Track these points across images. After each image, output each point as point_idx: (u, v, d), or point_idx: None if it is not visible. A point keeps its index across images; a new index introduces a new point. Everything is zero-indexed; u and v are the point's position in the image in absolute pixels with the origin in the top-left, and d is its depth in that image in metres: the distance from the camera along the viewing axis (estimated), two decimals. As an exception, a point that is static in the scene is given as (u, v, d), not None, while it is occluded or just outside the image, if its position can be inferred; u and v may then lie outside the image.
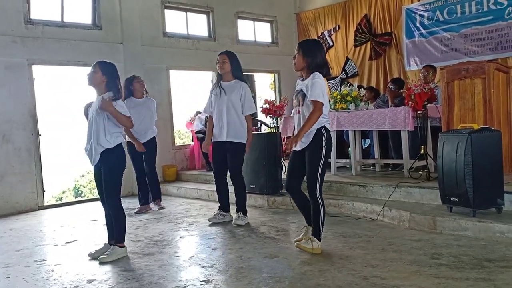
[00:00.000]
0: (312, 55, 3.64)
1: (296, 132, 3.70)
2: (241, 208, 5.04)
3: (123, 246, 4.02)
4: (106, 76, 3.93)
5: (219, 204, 5.21)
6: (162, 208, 6.13)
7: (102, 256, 3.92)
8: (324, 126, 3.64)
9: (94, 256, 4.09)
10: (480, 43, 7.63)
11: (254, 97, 10.08)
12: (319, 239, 3.69)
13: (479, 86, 4.78)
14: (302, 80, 3.76)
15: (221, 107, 4.92)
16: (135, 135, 5.79)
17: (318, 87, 3.54)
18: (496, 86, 4.80)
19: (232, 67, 4.91)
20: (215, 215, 5.18)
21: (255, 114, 9.64)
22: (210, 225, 5.07)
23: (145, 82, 8.16)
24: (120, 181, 4.00)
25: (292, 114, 7.63)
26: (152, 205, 6.20)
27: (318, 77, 3.60)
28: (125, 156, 4.04)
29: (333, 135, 6.20)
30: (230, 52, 5.03)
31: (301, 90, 3.70)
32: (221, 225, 5.00)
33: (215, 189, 5.31)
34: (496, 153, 4.04)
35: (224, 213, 5.14)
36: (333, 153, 6.30)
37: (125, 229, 4.07)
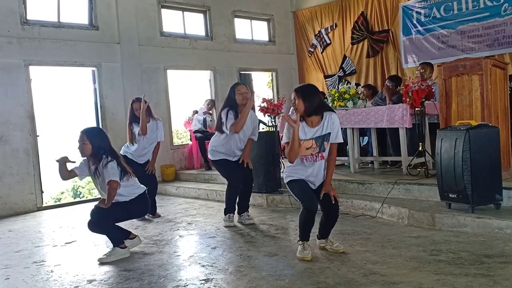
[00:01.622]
0: (310, 99, 3.55)
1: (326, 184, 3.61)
2: (248, 207, 5.12)
3: (125, 247, 4.00)
4: (92, 145, 3.91)
5: (230, 208, 5.03)
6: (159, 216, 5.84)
7: (101, 257, 3.91)
8: None
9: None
10: (477, 39, 7.65)
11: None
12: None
13: (477, 83, 4.78)
14: (302, 121, 3.57)
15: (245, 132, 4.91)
16: (136, 157, 5.62)
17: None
18: (493, 83, 4.80)
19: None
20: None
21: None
22: (209, 224, 5.07)
23: (142, 82, 8.21)
24: (120, 220, 4.08)
25: (289, 113, 7.59)
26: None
27: (336, 118, 3.66)
28: (139, 207, 4.12)
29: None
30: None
31: (322, 135, 3.57)
32: (220, 224, 5.00)
33: (214, 189, 5.30)
34: (494, 149, 4.05)
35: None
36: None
37: (118, 234, 4.04)
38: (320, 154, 3.59)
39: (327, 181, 3.61)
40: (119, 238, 4.03)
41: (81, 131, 3.92)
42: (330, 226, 3.70)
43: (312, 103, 3.55)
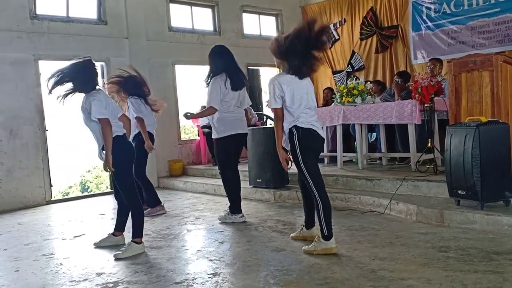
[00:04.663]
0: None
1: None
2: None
3: (140, 242, 3.95)
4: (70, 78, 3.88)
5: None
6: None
7: (117, 252, 3.87)
8: (295, 126, 3.55)
9: (98, 245, 4.22)
10: (487, 35, 7.58)
11: (259, 92, 10.07)
12: (326, 238, 3.50)
13: (487, 79, 4.74)
14: None
15: None
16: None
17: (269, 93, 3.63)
18: (504, 79, 4.75)
19: (210, 67, 4.84)
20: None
21: (260, 108, 9.66)
22: (217, 219, 5.07)
23: (150, 77, 8.21)
24: (130, 174, 3.94)
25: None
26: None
27: (270, 81, 3.64)
28: (128, 147, 3.92)
29: (339, 129, 6.22)
30: (210, 50, 4.88)
31: None
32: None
33: (221, 184, 5.29)
34: (504, 146, 4.01)
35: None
36: (339, 147, 6.29)
37: (143, 225, 3.99)
38: None
39: None
40: (139, 230, 3.94)
41: None
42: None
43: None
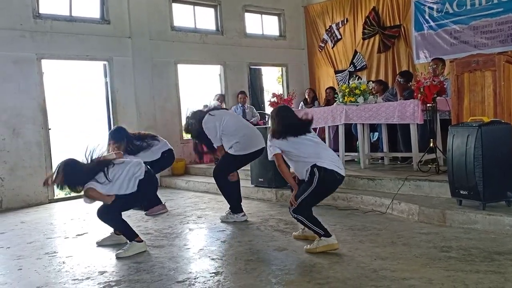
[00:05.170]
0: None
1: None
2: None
3: (141, 241, 3.96)
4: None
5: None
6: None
7: (119, 251, 3.88)
8: (317, 166, 3.54)
9: (100, 244, 4.24)
10: (490, 35, 7.56)
11: (261, 91, 10.09)
12: (325, 236, 3.56)
13: (489, 79, 4.73)
14: None
15: None
16: None
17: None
18: (506, 79, 4.74)
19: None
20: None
21: (262, 108, 9.67)
22: (218, 218, 5.07)
23: (153, 77, 8.26)
24: (126, 207, 4.05)
25: (300, 108, 7.68)
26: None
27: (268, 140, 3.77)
28: (145, 192, 4.01)
29: (341, 129, 6.22)
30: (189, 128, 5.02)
31: None
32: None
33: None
34: (506, 146, 4.01)
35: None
36: (341, 146, 6.29)
37: (127, 228, 3.99)
38: None
39: None
40: (127, 233, 3.98)
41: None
42: None
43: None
